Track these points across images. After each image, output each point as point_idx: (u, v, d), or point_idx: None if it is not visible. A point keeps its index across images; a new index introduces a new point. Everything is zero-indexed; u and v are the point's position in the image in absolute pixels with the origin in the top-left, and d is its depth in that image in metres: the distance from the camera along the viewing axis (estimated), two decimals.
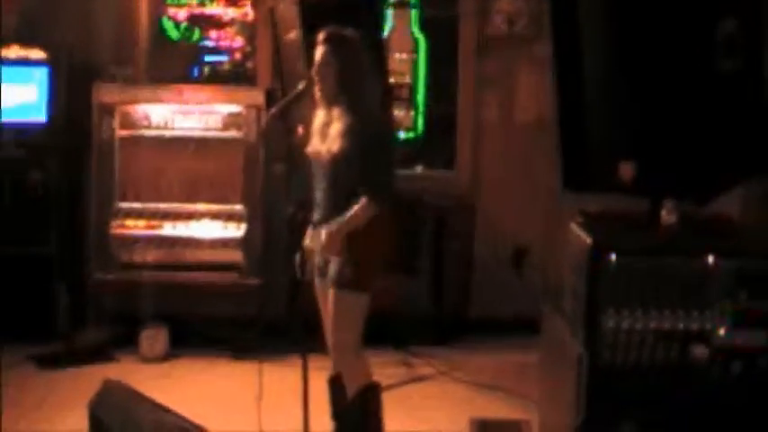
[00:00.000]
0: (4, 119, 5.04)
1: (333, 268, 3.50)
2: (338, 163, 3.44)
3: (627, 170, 3.18)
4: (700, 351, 2.83)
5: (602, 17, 3.28)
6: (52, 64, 5.11)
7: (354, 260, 3.45)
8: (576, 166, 3.42)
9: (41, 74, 5.11)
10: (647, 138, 3.20)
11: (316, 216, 3.59)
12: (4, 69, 5.05)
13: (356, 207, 3.43)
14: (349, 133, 3.42)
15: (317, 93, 3.54)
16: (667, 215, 3.05)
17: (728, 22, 3.01)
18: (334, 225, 3.45)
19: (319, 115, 3.59)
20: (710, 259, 2.83)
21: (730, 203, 3.44)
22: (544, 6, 5.04)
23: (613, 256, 2.82)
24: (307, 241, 3.60)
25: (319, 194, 3.55)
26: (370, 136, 3.44)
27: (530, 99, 5.50)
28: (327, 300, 3.54)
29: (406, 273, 5.27)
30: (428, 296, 5.43)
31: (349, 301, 3.48)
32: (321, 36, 3.53)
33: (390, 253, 3.65)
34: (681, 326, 2.85)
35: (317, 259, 3.62)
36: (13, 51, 5.09)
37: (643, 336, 2.84)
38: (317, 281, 3.66)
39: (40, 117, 5.13)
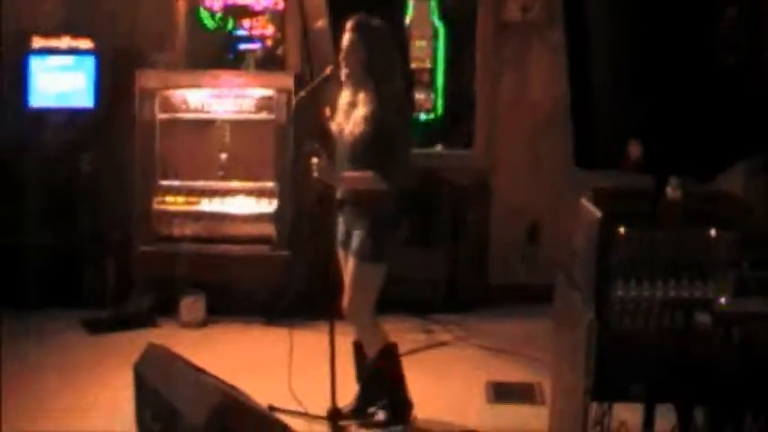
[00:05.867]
0: (57, 105, 5.13)
1: (355, 240, 3.53)
2: (358, 146, 3.46)
3: (635, 149, 3.17)
4: (702, 318, 2.82)
5: (610, 4, 3.25)
6: (99, 53, 5.17)
7: (375, 233, 3.47)
8: (587, 146, 3.41)
9: (89, 62, 5.17)
10: (654, 119, 3.18)
11: (339, 193, 3.60)
12: (56, 58, 5.14)
13: (366, 173, 3.43)
14: (371, 119, 3.43)
15: (343, 76, 3.54)
16: (672, 191, 3.03)
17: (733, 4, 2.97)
18: (346, 175, 3.48)
19: (345, 94, 3.60)
20: (713, 232, 2.81)
21: (733, 180, 3.41)
22: None
23: (622, 229, 2.81)
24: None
25: (342, 171, 3.55)
26: (388, 121, 3.43)
27: (544, 82, 5.46)
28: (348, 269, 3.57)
29: (425, 245, 5.28)
30: (447, 268, 5.44)
31: (368, 272, 3.52)
32: (349, 23, 3.52)
33: (410, 227, 3.66)
34: (685, 294, 2.83)
35: (341, 231, 3.64)
36: (65, 42, 5.15)
37: (650, 304, 2.83)
38: (340, 252, 3.68)
39: (89, 103, 5.19)
